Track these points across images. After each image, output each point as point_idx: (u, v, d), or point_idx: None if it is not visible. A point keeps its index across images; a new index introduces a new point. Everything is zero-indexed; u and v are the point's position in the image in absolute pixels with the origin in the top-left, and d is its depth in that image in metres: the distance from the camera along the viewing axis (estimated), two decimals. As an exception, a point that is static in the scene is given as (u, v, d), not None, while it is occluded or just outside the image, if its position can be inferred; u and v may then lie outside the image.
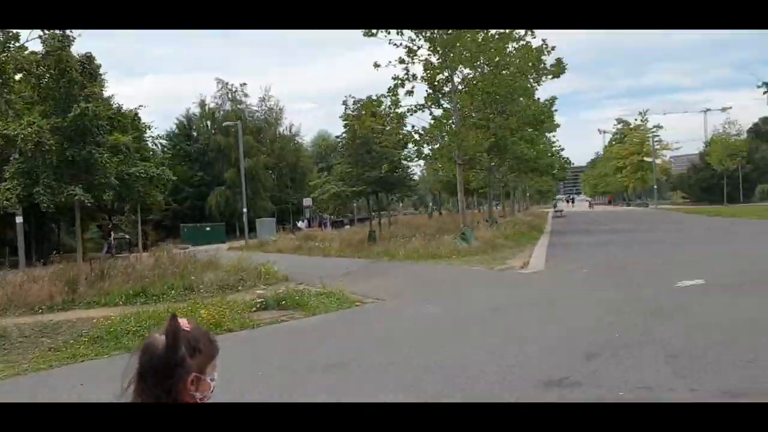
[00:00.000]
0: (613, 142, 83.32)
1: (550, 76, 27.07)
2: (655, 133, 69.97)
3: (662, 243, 18.38)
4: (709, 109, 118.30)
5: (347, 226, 43.43)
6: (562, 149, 39.64)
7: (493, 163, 29.33)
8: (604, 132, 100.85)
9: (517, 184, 46.79)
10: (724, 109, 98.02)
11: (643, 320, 7.23)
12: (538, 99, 27.70)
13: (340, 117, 26.33)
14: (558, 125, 39.10)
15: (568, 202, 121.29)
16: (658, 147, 71.51)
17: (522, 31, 22.88)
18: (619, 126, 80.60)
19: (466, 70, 22.52)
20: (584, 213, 60.13)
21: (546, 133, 34.04)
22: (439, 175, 43.87)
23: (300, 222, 46.03)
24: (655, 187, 68.02)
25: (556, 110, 35.53)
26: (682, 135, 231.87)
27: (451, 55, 20.85)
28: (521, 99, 26.07)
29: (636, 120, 74.41)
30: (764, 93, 41.09)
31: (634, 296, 8.92)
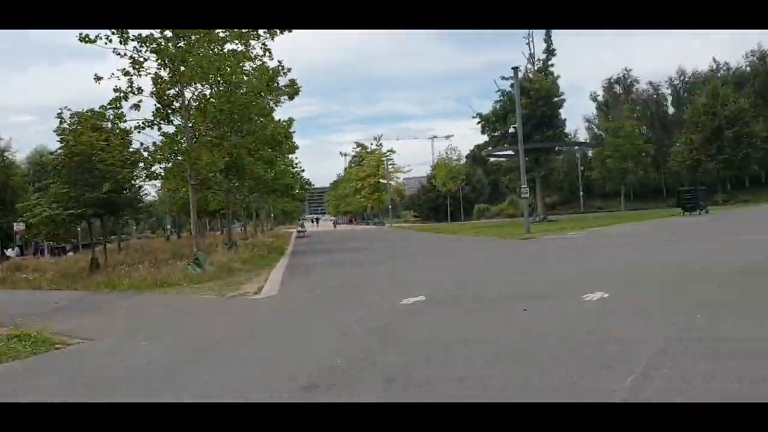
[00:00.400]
0: (353, 165, 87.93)
1: (285, 97, 27.35)
2: (388, 157, 75.38)
3: (393, 259, 19.19)
4: (435, 137, 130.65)
5: (69, 254, 39.00)
6: (303, 170, 40.25)
7: (233, 184, 28.54)
8: (345, 154, 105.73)
9: (260, 204, 46.46)
10: (447, 137, 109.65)
11: (367, 343, 7.04)
12: (280, 120, 27.64)
13: (54, 131, 23.38)
14: (297, 146, 39.66)
15: (313, 222, 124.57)
16: (391, 170, 77.03)
17: (260, 51, 22.65)
18: (358, 149, 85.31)
19: (200, 87, 21.54)
20: (328, 232, 61.96)
21: (287, 155, 34.23)
22: (176, 196, 41.65)
23: (9, 250, 40.17)
24: (390, 206, 72.87)
25: (294, 131, 36.15)
26: (413, 159, 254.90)
27: (182, 69, 19.69)
28: (258, 119, 25.76)
29: (372, 144, 79.47)
30: (478, 123, 46.19)
31: (361, 317, 8.81)
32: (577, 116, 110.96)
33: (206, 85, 21.33)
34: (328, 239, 42.20)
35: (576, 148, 63.82)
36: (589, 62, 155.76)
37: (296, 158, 40.33)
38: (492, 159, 68.11)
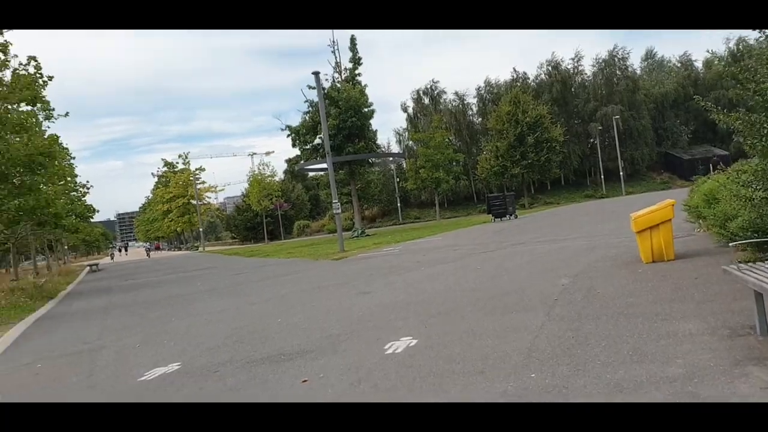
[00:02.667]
0: (159, 186, 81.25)
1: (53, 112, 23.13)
2: (197, 176, 70.38)
3: (172, 302, 15.91)
4: (255, 153, 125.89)
5: None
6: (84, 195, 35.02)
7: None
8: (157, 175, 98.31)
9: (40, 236, 39.99)
10: (267, 153, 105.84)
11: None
12: (51, 138, 23.00)
13: None
14: (73, 170, 34.44)
15: (120, 251, 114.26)
16: (201, 188, 72.11)
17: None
18: (165, 168, 79.00)
19: None
20: (136, 261, 55.72)
21: (63, 178, 29.21)
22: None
23: None
24: (201, 229, 68.08)
25: (67, 150, 31.12)
26: (235, 177, 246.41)
27: None
28: (9, 135, 21.17)
29: (178, 163, 73.83)
30: (288, 136, 43.70)
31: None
32: (390, 131, 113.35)
33: None
34: (125, 272, 37.29)
35: (390, 159, 63.82)
36: (402, 78, 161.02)
37: (76, 182, 35.17)
38: (311, 174, 66.11)
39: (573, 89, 76.37)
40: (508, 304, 8.33)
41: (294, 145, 43.75)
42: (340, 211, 26.35)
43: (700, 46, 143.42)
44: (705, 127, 78.28)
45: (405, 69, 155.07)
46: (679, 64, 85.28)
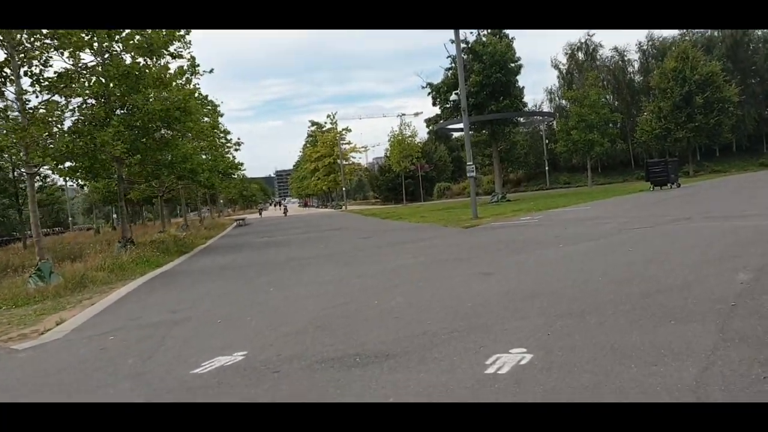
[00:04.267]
0: (308, 145, 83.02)
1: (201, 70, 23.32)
2: (343, 136, 70.73)
3: (286, 266, 15.07)
4: (404, 114, 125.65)
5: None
6: (229, 150, 35.80)
7: (130, 168, 24.10)
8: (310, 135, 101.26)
9: (190, 190, 41.90)
10: (416, 114, 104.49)
11: None
12: (185, 91, 23.17)
13: None
14: (224, 129, 35.22)
15: (276, 206, 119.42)
16: (346, 148, 72.52)
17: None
18: (313, 128, 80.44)
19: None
20: (281, 218, 57.41)
21: (210, 135, 29.74)
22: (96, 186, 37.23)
23: None
24: (344, 188, 68.58)
25: (214, 107, 31.62)
26: (385, 137, 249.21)
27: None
28: (146, 90, 21.45)
29: (326, 123, 74.66)
30: (428, 94, 41.99)
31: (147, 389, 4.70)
32: (541, 92, 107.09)
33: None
34: (267, 227, 38.07)
35: (538, 118, 59.99)
36: (556, 36, 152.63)
37: (228, 138, 36.03)
38: (455, 134, 64.04)
39: (750, 44, 67.12)
40: (666, 307, 6.20)
41: (435, 104, 41.92)
42: (474, 174, 24.38)
43: None
44: None
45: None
46: None
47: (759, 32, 67.81)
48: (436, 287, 8.93)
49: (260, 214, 60.40)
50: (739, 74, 64.07)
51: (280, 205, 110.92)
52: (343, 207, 67.07)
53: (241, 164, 38.75)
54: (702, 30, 68.69)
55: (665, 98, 56.11)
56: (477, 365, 4.94)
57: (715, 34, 67.81)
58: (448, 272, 10.35)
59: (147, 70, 21.11)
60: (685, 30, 68.93)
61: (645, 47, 72.54)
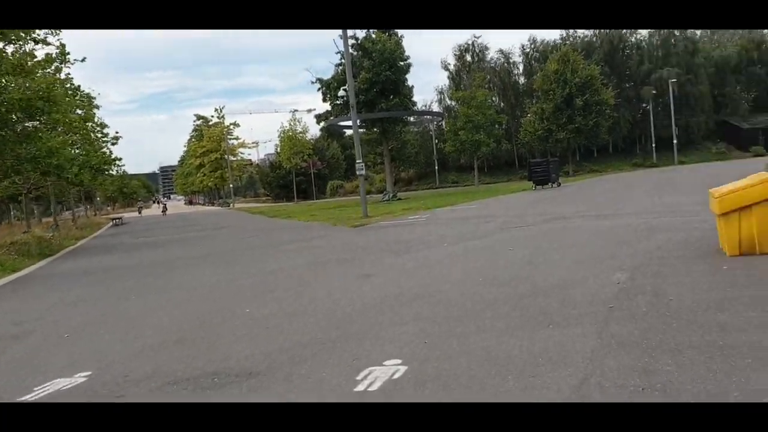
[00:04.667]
0: (193, 140, 79.82)
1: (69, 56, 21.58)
2: (230, 130, 68.60)
3: (156, 269, 14.05)
4: (296, 110, 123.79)
5: None
6: (106, 144, 33.46)
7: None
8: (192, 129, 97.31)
9: (62, 188, 38.92)
10: (309, 111, 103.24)
11: None
12: (49, 80, 21.20)
13: None
14: (99, 122, 32.96)
15: (158, 203, 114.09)
16: (235, 144, 70.41)
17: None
18: (199, 122, 77.39)
19: None
20: (163, 216, 54.63)
21: (73, 126, 27.49)
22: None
23: None
24: (231, 185, 66.62)
25: (89, 99, 29.45)
26: (276, 133, 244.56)
27: None
28: (9, 79, 19.52)
29: (212, 117, 72.01)
30: (318, 90, 41.34)
31: None
32: (433, 92, 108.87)
33: None
34: (141, 228, 36.01)
35: (428, 118, 60.84)
36: (448, 38, 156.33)
37: (101, 132, 33.65)
38: (348, 132, 63.76)
39: (625, 51, 71.65)
40: (545, 309, 6.03)
41: (325, 100, 41.38)
42: (364, 172, 24.12)
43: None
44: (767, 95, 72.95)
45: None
46: (744, 26, 79.26)
47: (633, 38, 72.42)
48: (314, 292, 8.43)
49: (140, 212, 57.25)
50: (615, 78, 68.11)
51: (158, 203, 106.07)
52: (231, 205, 65.05)
53: (119, 159, 36.33)
54: (583, 34, 72.56)
55: (547, 100, 58.60)
56: (347, 382, 4.50)
57: (594, 39, 71.69)
58: (330, 275, 9.88)
59: (2, 55, 19.22)
60: (565, 34, 72.47)
61: (528, 50, 75.56)
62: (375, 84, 38.68)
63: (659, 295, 6.14)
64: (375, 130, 43.19)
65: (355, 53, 39.71)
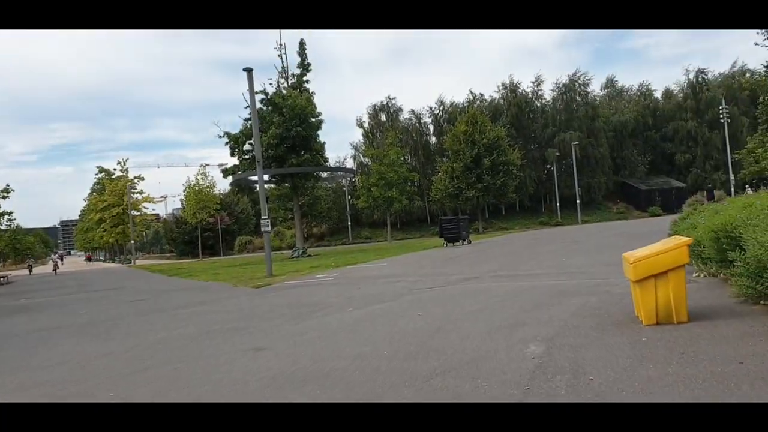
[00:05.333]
0: (94, 193, 75.88)
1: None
2: (134, 184, 65.59)
3: (14, 344, 12.36)
4: (208, 164, 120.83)
5: None
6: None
7: None
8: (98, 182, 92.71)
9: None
10: (221, 166, 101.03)
11: None
12: None
13: None
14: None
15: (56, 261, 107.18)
16: (139, 198, 67.32)
17: None
18: (101, 175, 73.71)
19: None
20: (57, 274, 50.73)
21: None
22: None
23: None
24: (133, 241, 63.29)
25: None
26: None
27: None
28: None
29: (116, 170, 68.80)
30: (226, 144, 40.12)
31: None
32: (348, 148, 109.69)
33: None
34: (28, 289, 33.06)
35: (341, 174, 60.56)
36: (364, 97, 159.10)
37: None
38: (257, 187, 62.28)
39: (531, 114, 74.87)
40: (454, 392, 5.23)
41: (233, 154, 40.19)
42: (269, 228, 23.11)
43: (658, 77, 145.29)
44: (662, 158, 77.77)
45: (367, 87, 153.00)
46: (638, 94, 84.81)
47: (538, 103, 75.76)
48: (193, 371, 7.27)
49: (30, 270, 53.08)
50: (521, 140, 70.68)
51: (61, 259, 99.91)
52: (132, 262, 61.63)
53: (9, 213, 33.48)
54: (490, 97, 75.23)
55: (457, 159, 59.81)
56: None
57: (501, 102, 74.43)
58: (218, 348, 8.71)
59: None
60: (472, 97, 74.91)
61: (437, 112, 77.50)
62: (285, 139, 37.92)
63: (578, 373, 5.48)
64: (286, 185, 42.21)
65: (265, 108, 38.99)
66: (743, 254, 7.71)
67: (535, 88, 75.69)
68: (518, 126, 71.87)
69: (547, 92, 76.89)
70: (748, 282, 7.67)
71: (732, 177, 61.19)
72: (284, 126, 37.31)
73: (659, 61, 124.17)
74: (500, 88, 75.86)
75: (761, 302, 7.71)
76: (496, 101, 75.05)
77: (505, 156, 59.44)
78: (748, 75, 77.72)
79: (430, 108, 77.72)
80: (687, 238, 7.80)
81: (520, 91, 74.94)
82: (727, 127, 64.01)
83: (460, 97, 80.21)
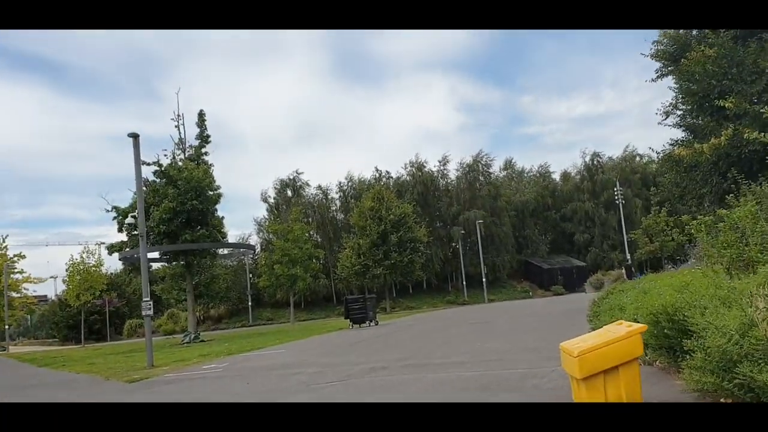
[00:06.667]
0: (-35, 273, 68.69)
1: None
2: (13, 263, 59.63)
3: None
4: (102, 243, 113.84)
5: None
6: None
7: None
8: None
9: None
10: (99, 244, 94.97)
11: None
12: None
13: None
14: None
15: None
16: (19, 278, 61.16)
17: None
18: (-24, 254, 66.99)
19: None
20: None
21: None
22: None
23: None
24: (8, 326, 57.03)
25: None
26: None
27: None
28: None
29: (-5, 248, 62.55)
30: (114, 219, 37.03)
31: None
32: (252, 224, 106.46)
33: None
34: None
35: (242, 251, 57.69)
36: (270, 174, 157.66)
37: None
38: (153, 266, 58.11)
39: (436, 192, 75.59)
40: None
41: (120, 230, 37.06)
42: (150, 312, 20.55)
43: (556, 159, 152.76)
44: (563, 237, 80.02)
45: (275, 164, 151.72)
46: (537, 175, 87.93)
47: (443, 182, 76.67)
48: None
49: None
50: (427, 218, 70.70)
51: None
52: (7, 349, 55.19)
53: None
54: (397, 174, 75.53)
55: (364, 236, 58.57)
56: None
57: (408, 179, 74.76)
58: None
59: None
60: (378, 174, 74.92)
61: (345, 188, 76.84)
62: (180, 213, 35.31)
63: None
64: (180, 263, 39.21)
65: (158, 181, 36.47)
66: (701, 343, 6.44)
67: (441, 167, 76.83)
68: (424, 204, 72.14)
69: (452, 171, 78.16)
70: (710, 377, 6.35)
71: (629, 257, 63.34)
72: (179, 199, 34.80)
73: (554, 146, 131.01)
74: (407, 165, 76.43)
75: (721, 399, 6.42)
76: (402, 178, 75.43)
77: (412, 233, 58.88)
78: (638, 158, 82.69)
79: (339, 183, 77.03)
80: (639, 325, 6.46)
81: (426, 169, 75.75)
82: (622, 208, 66.74)
83: (369, 173, 79.95)
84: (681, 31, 20.18)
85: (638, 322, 9.11)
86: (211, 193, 37.12)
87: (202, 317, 64.56)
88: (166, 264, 41.67)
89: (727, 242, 9.14)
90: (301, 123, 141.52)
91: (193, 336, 35.11)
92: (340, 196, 76.92)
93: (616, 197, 67.28)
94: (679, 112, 21.22)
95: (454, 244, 73.16)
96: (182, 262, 38.88)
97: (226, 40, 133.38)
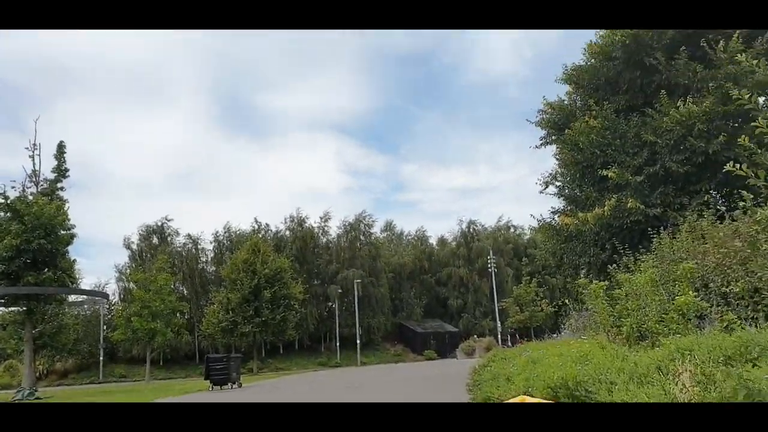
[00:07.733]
0: None
1: None
2: None
3: None
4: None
5: None
6: None
7: None
8: None
9: None
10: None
11: None
12: None
13: None
14: None
15: None
16: None
17: None
18: None
19: None
20: None
21: None
22: None
23: None
24: None
25: None
26: None
27: None
28: None
29: None
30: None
31: None
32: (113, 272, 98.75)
33: None
34: None
35: (99, 299, 52.74)
36: (138, 218, 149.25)
37: None
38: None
39: (316, 249, 73.96)
40: None
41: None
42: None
43: (433, 225, 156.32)
44: (437, 301, 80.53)
45: (146, 210, 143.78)
46: (416, 239, 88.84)
47: (324, 239, 75.22)
48: None
49: None
50: (305, 274, 68.52)
51: None
52: None
53: None
54: (276, 228, 73.25)
55: (234, 290, 55.33)
56: None
57: (287, 233, 72.68)
58: None
59: None
60: (257, 227, 72.37)
61: (221, 238, 73.46)
62: (24, 252, 31.29)
63: None
64: (20, 309, 34.72)
65: (2, 215, 32.40)
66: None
67: (323, 224, 75.53)
68: (303, 260, 70.17)
69: (334, 229, 77.11)
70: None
71: (499, 324, 64.39)
72: (23, 237, 30.91)
73: (433, 214, 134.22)
74: (287, 220, 74.48)
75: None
76: (281, 232, 73.30)
77: (288, 289, 56.40)
78: (512, 230, 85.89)
79: (215, 233, 73.46)
80: (549, 401, 5.32)
81: (306, 225, 74.18)
82: (495, 277, 68.22)
83: (247, 225, 76.99)
84: (566, 102, 20.49)
85: (531, 395, 8.08)
86: (64, 232, 33.40)
87: (45, 371, 57.91)
88: (4, 308, 36.84)
89: (627, 310, 8.38)
90: (177, 169, 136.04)
91: (27, 392, 30.62)
92: (214, 247, 73.31)
93: (489, 265, 68.83)
94: (558, 183, 21.35)
95: (330, 303, 71.38)
96: (23, 308, 34.45)
97: (104, 78, 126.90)
